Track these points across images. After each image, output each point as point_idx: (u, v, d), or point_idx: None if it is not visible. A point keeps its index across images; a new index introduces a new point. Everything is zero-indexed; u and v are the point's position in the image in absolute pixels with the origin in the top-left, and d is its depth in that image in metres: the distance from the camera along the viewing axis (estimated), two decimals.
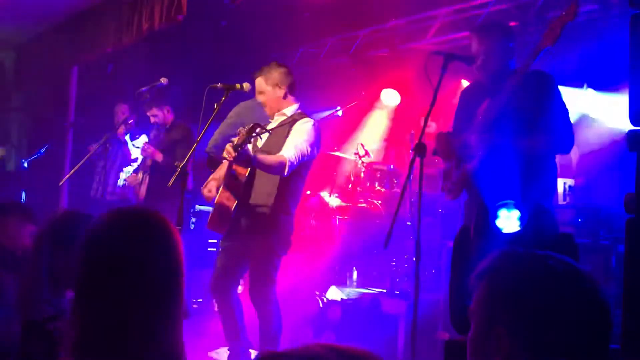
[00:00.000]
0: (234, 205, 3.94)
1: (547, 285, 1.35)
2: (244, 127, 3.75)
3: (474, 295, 1.40)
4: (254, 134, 3.71)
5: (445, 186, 3.57)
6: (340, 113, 6.55)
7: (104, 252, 1.52)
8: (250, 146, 3.83)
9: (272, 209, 4.05)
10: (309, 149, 4.05)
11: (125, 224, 1.56)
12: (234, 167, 3.90)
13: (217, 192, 4.08)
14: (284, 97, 4.22)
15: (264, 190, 4.05)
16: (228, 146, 3.71)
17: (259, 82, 4.22)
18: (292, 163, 3.93)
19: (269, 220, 4.05)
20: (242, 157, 3.75)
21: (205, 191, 4.23)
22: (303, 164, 4.08)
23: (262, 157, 3.88)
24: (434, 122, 5.90)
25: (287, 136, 4.07)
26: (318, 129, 4.17)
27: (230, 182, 3.96)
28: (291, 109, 4.25)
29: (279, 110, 4.24)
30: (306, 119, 4.15)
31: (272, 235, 4.06)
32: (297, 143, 3.99)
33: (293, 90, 4.27)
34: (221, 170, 4.27)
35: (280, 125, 4.15)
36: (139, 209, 1.67)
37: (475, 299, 1.40)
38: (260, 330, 4.09)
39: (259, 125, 3.74)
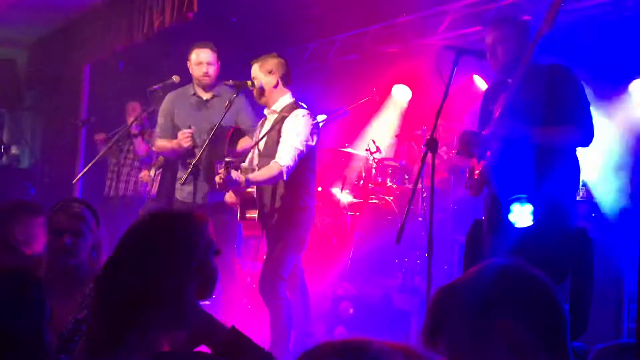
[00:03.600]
0: (256, 215, 4.19)
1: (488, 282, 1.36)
2: (219, 164, 3.80)
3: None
4: (230, 167, 3.77)
5: (468, 183, 3.56)
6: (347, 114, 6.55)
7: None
8: (235, 172, 3.84)
9: (286, 208, 4.13)
10: (304, 143, 4.07)
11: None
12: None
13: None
14: (275, 86, 4.25)
15: (275, 194, 4.13)
16: (217, 178, 3.81)
17: (254, 68, 4.30)
18: (288, 167, 3.99)
19: (285, 218, 4.13)
20: (235, 185, 3.85)
21: (227, 197, 4.39)
22: (305, 157, 4.12)
23: (254, 177, 3.98)
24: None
25: (278, 134, 4.13)
26: (309, 117, 4.16)
27: (244, 198, 4.19)
28: (282, 101, 4.27)
29: (268, 100, 4.28)
30: (295, 112, 4.14)
31: (286, 232, 4.13)
32: (289, 144, 4.03)
33: (287, 82, 4.30)
34: None
35: (273, 125, 4.21)
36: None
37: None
38: (271, 326, 4.12)
39: (228, 158, 3.83)
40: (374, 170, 6.20)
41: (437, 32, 6.34)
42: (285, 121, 4.13)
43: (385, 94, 6.98)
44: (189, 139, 4.56)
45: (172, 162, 5.71)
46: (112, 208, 6.62)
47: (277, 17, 6.58)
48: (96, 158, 5.44)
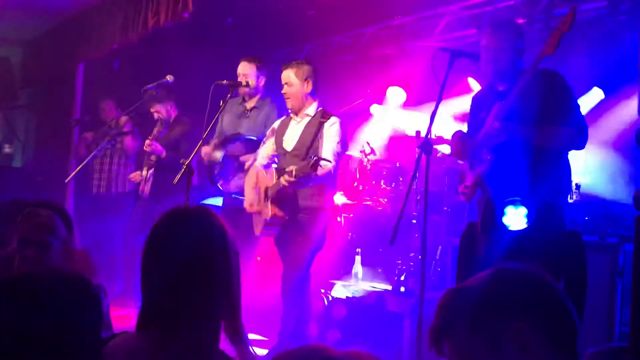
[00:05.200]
0: (287, 212, 4.23)
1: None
2: (307, 160, 3.92)
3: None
4: (317, 165, 3.85)
5: (460, 188, 3.56)
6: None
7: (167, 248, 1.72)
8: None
9: (315, 208, 4.27)
10: (341, 149, 4.30)
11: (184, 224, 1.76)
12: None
13: (258, 204, 4.35)
14: (310, 93, 4.40)
15: (307, 193, 4.25)
16: (286, 176, 3.90)
17: (288, 74, 4.38)
18: (334, 168, 4.20)
19: (313, 217, 4.26)
20: (303, 184, 3.98)
21: (247, 206, 4.44)
22: None
23: (315, 176, 4.04)
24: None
25: (315, 137, 4.27)
26: (344, 125, 4.38)
27: (279, 195, 4.20)
28: (313, 107, 4.41)
29: (301, 106, 4.39)
30: (332, 119, 4.32)
31: (312, 229, 4.25)
32: (333, 148, 4.22)
33: (316, 89, 4.44)
34: (253, 180, 4.46)
35: (308, 126, 4.35)
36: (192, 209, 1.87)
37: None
38: (282, 323, 4.20)
39: (319, 158, 3.91)
40: (368, 172, 6.19)
41: (432, 34, 6.34)
42: (325, 126, 4.28)
43: (381, 95, 6.97)
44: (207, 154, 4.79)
45: (164, 161, 5.69)
46: (104, 205, 6.60)
47: (273, 17, 6.57)
48: (89, 157, 5.42)
